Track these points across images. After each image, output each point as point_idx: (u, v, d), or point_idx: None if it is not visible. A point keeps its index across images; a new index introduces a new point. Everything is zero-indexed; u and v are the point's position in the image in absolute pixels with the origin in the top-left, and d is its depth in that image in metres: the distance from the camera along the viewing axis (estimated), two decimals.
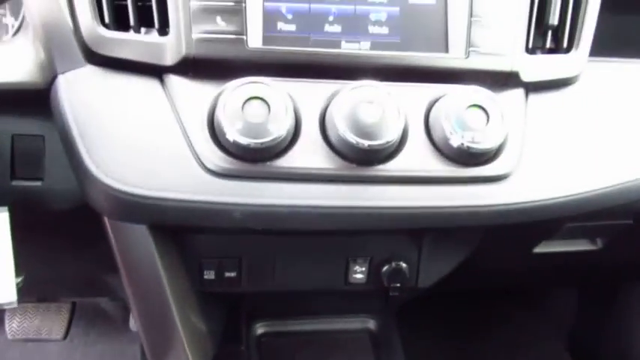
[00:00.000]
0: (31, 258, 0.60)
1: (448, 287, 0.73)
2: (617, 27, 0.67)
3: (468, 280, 0.78)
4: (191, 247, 0.65)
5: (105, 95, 0.54)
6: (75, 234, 0.70)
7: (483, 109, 0.54)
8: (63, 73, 0.55)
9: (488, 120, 0.53)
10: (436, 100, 0.56)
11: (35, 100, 0.56)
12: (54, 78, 0.55)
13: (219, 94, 0.52)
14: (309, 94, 0.54)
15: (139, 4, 0.55)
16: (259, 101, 0.51)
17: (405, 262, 0.69)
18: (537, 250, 0.70)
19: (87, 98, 0.54)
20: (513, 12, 0.58)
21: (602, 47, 0.63)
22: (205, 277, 0.67)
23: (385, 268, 0.69)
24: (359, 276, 0.68)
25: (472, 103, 0.54)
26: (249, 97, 0.51)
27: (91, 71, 0.54)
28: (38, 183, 0.59)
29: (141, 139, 0.53)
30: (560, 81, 0.62)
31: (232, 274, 0.67)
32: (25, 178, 0.59)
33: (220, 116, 0.50)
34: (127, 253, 0.60)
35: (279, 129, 0.50)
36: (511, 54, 0.57)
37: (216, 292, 0.71)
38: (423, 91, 0.56)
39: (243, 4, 0.53)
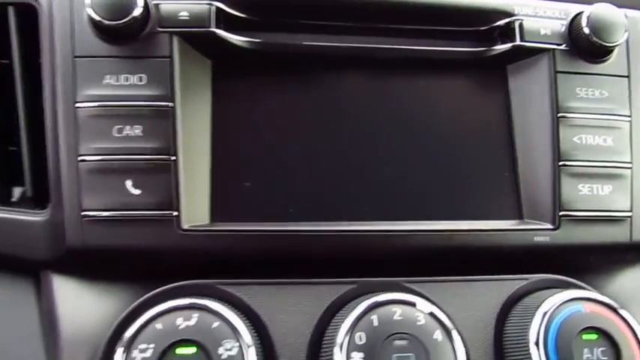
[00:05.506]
0: None
1: None
2: None
3: None
4: None
5: None
6: None
7: (608, 335, 0.31)
8: None
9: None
10: (511, 306, 0.34)
11: None
12: None
13: (123, 329, 0.30)
14: (286, 314, 0.32)
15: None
16: (192, 349, 0.29)
17: None
18: None
19: None
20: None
21: None
22: None
23: None
24: None
25: (587, 326, 0.31)
26: (173, 341, 0.28)
27: None
28: None
29: None
30: None
31: None
32: None
33: None
34: None
35: None
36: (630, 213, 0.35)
37: None
38: (486, 293, 0.34)
39: (172, 158, 0.32)
